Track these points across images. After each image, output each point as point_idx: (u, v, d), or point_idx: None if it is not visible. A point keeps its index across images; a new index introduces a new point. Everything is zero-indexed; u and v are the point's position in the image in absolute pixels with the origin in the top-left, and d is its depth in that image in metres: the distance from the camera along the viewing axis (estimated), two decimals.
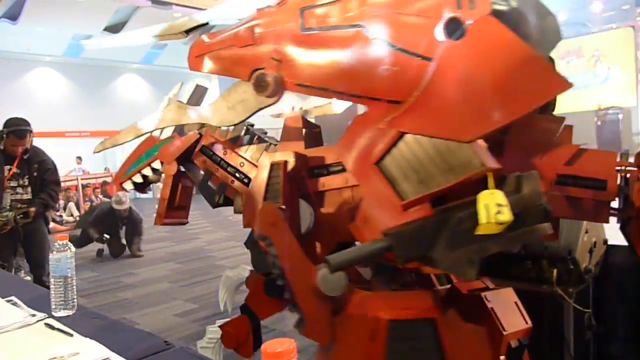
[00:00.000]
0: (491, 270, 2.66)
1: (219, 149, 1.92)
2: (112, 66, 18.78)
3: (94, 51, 17.31)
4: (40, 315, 1.56)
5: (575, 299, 2.33)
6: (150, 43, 1.81)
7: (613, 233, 1.90)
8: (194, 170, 2.01)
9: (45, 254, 4.28)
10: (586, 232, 2.05)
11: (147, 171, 2.10)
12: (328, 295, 1.48)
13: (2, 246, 4.08)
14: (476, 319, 1.67)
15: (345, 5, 1.45)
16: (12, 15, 13.88)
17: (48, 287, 1.64)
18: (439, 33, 1.33)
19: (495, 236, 1.36)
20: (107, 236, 7.26)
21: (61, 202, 11.04)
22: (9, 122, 4.14)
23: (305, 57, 1.49)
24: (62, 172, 14.25)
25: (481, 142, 1.43)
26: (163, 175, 2.04)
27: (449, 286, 1.81)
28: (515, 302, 1.89)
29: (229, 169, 1.89)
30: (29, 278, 4.24)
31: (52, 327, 1.46)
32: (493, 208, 1.34)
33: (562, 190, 1.57)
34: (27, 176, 4.16)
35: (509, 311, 1.83)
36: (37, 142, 4.34)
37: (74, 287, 1.62)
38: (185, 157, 1.98)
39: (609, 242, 2.24)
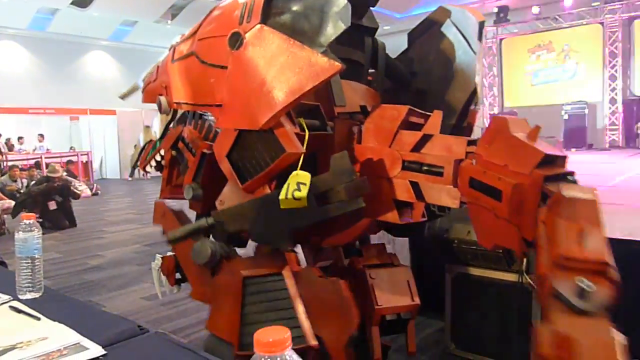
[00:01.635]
0: (460, 258, 2.72)
1: (188, 136, 2.32)
2: (79, 42, 18.09)
3: (61, 26, 16.68)
4: (5, 297, 1.50)
5: None
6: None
7: None
8: (181, 155, 2.37)
9: None
10: None
11: (158, 157, 2.60)
12: (205, 264, 1.86)
13: None
14: (358, 290, 1.96)
15: (186, 40, 1.96)
16: None
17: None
18: (228, 46, 1.70)
19: (305, 210, 1.62)
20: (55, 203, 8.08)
21: (24, 180, 10.70)
22: None
23: (174, 82, 1.94)
24: (28, 150, 13.82)
25: (290, 129, 1.65)
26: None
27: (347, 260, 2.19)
28: (408, 281, 2.10)
29: (192, 150, 2.26)
30: None
31: (17, 310, 1.40)
32: (293, 186, 1.61)
33: (406, 175, 1.73)
34: None
35: (396, 289, 2.07)
36: None
37: (41, 268, 1.57)
38: (175, 145, 2.41)
39: None
